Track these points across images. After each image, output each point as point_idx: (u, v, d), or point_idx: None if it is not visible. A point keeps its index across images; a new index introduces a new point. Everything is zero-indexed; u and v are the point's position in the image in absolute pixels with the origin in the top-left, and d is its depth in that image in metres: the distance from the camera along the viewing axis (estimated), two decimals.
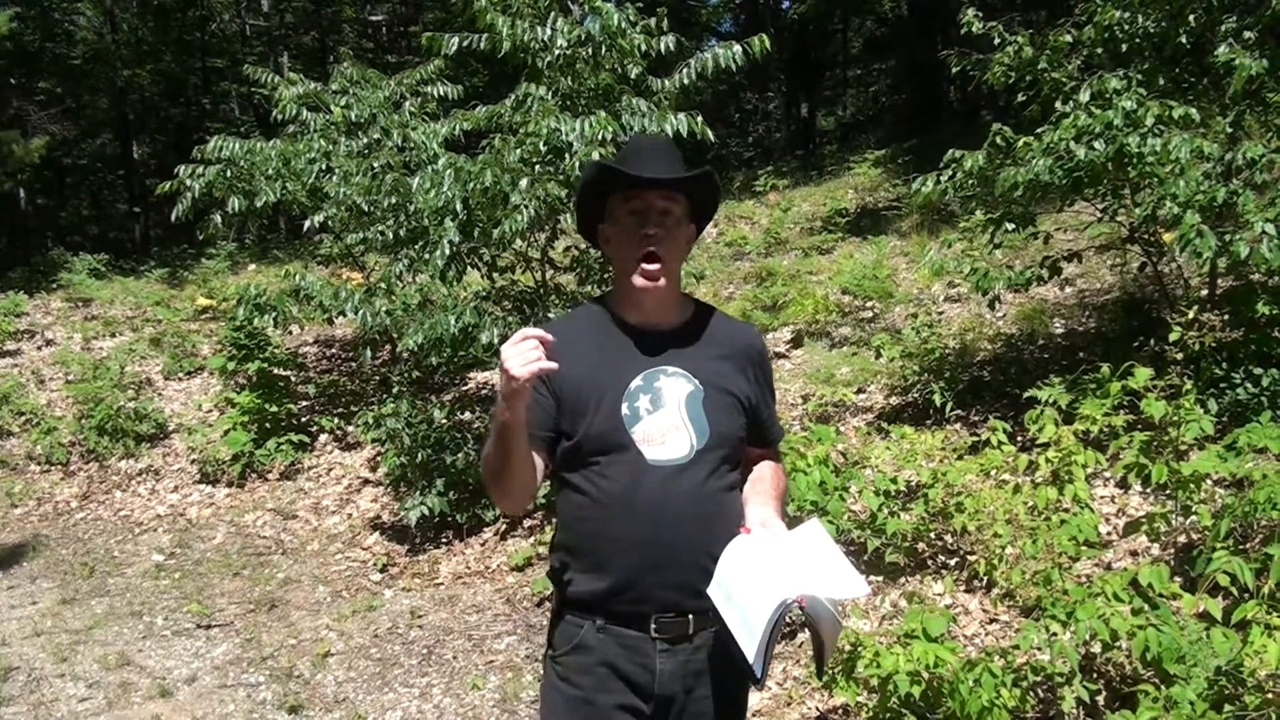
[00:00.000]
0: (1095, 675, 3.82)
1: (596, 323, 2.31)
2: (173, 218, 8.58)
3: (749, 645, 1.98)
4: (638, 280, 2.21)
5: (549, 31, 6.33)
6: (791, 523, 2.20)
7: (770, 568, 2.03)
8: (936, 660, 3.50)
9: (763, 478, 2.36)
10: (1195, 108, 5.37)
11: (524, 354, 1.93)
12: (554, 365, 1.95)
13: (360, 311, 6.92)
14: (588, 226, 2.37)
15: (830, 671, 3.79)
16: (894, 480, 5.10)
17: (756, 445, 2.38)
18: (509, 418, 2.03)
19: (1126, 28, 5.96)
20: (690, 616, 2.18)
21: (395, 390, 7.77)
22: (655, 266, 2.19)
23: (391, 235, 6.87)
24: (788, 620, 1.95)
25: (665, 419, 2.19)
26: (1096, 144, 5.26)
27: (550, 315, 6.64)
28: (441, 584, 6.24)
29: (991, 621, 4.56)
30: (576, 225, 2.42)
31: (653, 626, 2.18)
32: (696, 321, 2.33)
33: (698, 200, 2.30)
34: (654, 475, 2.16)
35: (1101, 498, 5.24)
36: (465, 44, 6.60)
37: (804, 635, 4.54)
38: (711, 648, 2.21)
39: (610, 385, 2.20)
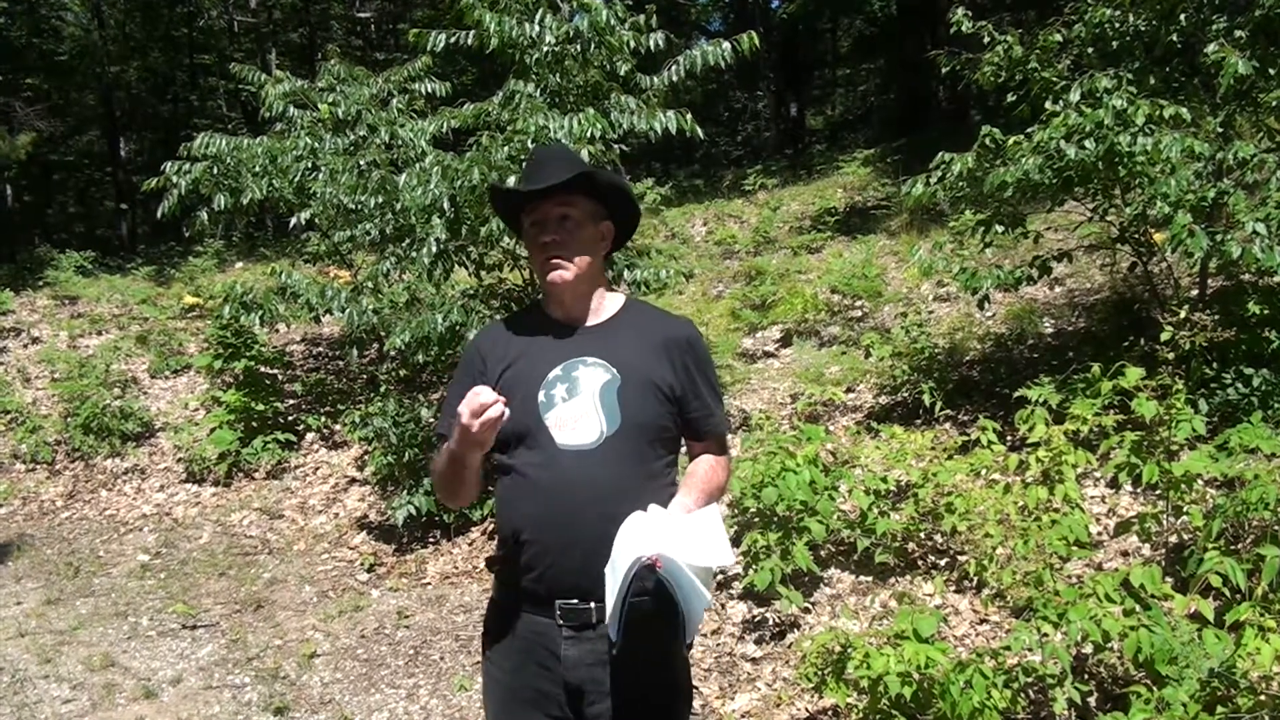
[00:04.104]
0: (1087, 676, 3.81)
1: (529, 320, 2.46)
2: (159, 214, 8.53)
3: (609, 607, 2.03)
4: (548, 279, 2.35)
5: (537, 28, 6.30)
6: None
7: (643, 537, 2.07)
8: (927, 661, 3.48)
9: (694, 472, 2.40)
10: (1186, 107, 5.36)
11: (483, 414, 2.09)
12: (503, 413, 2.12)
13: (347, 310, 6.88)
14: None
15: (819, 672, 3.78)
16: (884, 480, 5.09)
17: (691, 438, 2.43)
18: (463, 453, 2.19)
19: (1117, 26, 5.95)
20: (594, 604, 2.20)
21: (382, 389, 7.72)
22: (556, 263, 2.32)
23: (378, 233, 6.83)
24: (646, 584, 2.00)
25: (578, 406, 2.27)
26: (1087, 143, 5.25)
27: None
28: (429, 584, 6.20)
29: (982, 622, 4.55)
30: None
31: (557, 612, 2.23)
32: (624, 315, 2.43)
33: (607, 199, 2.42)
34: (562, 459, 2.24)
35: (1092, 498, 5.23)
36: (453, 41, 6.57)
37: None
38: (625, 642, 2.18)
39: (530, 375, 2.31)
